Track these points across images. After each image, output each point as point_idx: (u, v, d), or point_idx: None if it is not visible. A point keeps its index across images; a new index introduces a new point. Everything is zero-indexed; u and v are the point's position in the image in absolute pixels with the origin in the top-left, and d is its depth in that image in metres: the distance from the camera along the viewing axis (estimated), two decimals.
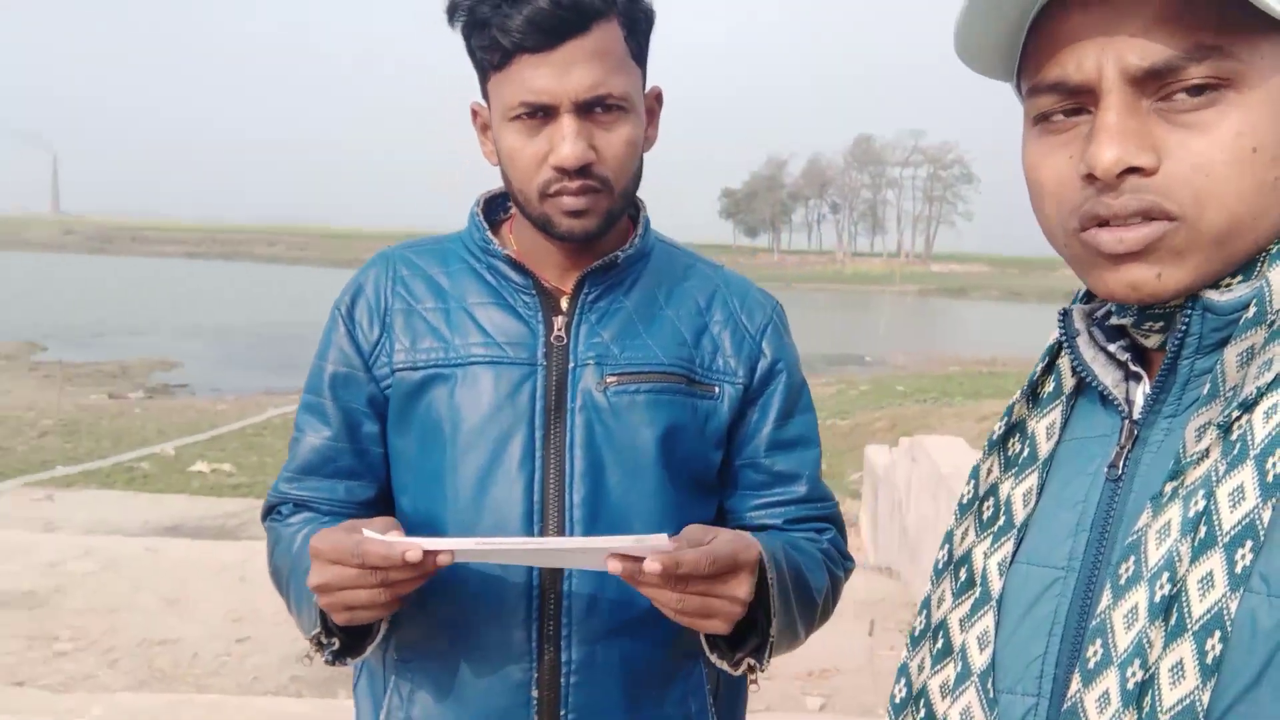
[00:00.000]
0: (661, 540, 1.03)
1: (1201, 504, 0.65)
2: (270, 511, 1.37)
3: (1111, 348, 0.78)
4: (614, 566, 1.04)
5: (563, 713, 1.22)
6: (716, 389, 1.30)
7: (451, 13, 1.21)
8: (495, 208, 1.38)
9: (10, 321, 28.56)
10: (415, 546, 1.04)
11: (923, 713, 0.83)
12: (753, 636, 1.18)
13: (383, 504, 1.33)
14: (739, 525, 1.32)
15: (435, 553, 1.05)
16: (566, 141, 1.16)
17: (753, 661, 1.18)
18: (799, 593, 1.22)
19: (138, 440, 12.46)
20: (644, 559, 1.02)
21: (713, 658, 1.20)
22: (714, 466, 1.31)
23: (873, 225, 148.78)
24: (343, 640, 1.17)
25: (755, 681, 1.31)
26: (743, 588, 1.09)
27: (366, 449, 1.32)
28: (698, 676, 1.30)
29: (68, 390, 17.56)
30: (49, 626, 5.10)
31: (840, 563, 1.35)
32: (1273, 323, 0.67)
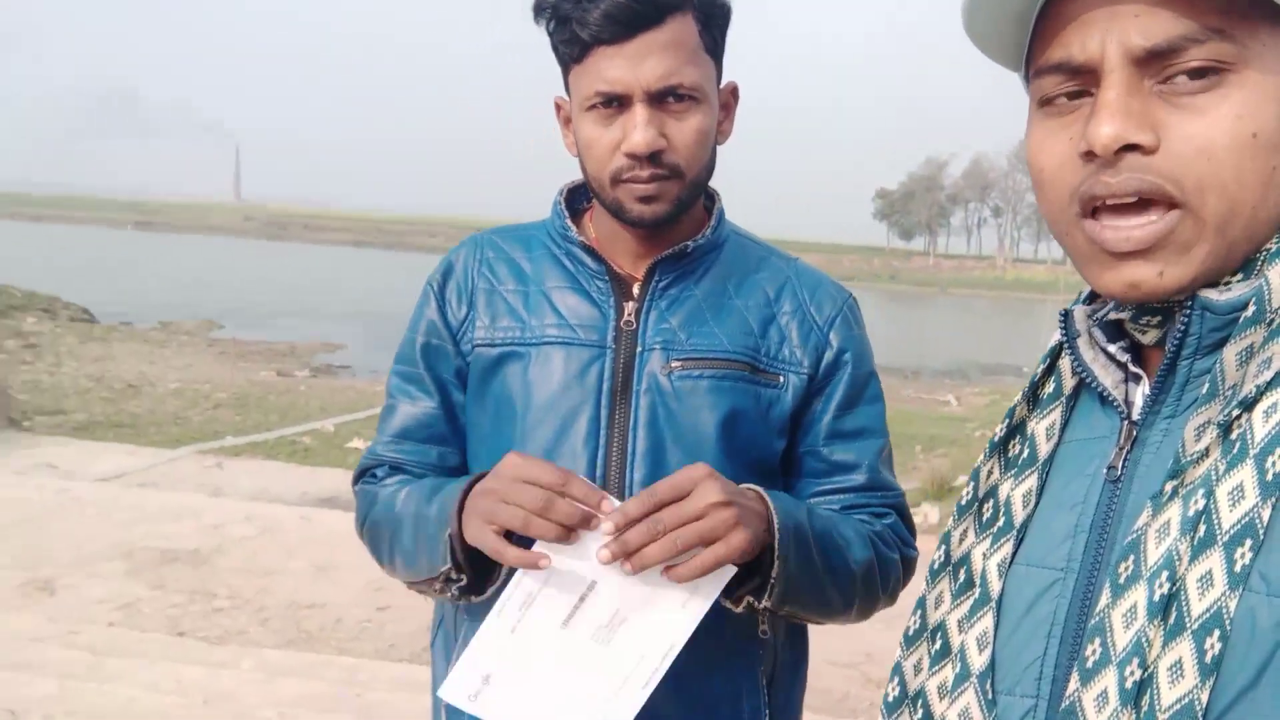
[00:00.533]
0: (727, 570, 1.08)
1: (1201, 503, 0.64)
2: (363, 475, 1.43)
3: (1111, 348, 0.77)
4: (603, 555, 1.07)
5: None
6: (781, 378, 1.33)
7: (537, 11, 1.26)
8: (578, 197, 1.43)
9: (192, 301, 30.57)
10: (609, 500, 1.09)
11: (920, 713, 0.83)
12: (755, 575, 1.18)
13: (464, 471, 1.38)
14: None
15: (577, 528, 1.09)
16: (638, 129, 1.21)
17: (751, 599, 1.18)
18: (826, 551, 1.22)
19: (301, 416, 13.14)
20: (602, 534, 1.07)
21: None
22: (776, 453, 1.34)
23: (1037, 231, 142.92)
24: (470, 577, 1.21)
25: (765, 629, 1.31)
26: (708, 491, 1.08)
27: (456, 417, 1.39)
28: (751, 655, 1.32)
29: (240, 366, 18.69)
30: (210, 584, 5.45)
31: (896, 546, 1.35)
32: (1271, 321, 0.67)
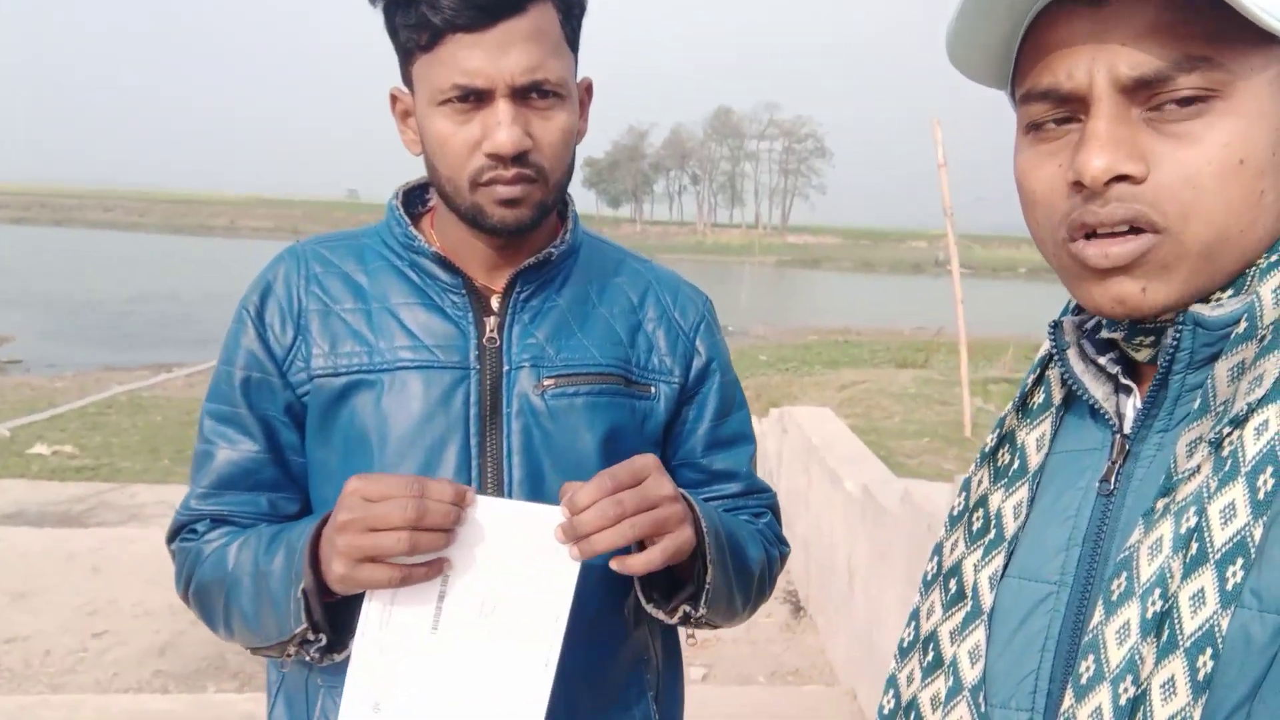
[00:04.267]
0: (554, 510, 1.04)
1: (1193, 520, 0.65)
2: (179, 532, 1.26)
3: (1102, 360, 0.78)
4: (560, 535, 1.03)
5: None
6: (653, 388, 1.28)
7: None
8: (412, 201, 1.30)
9: None
10: (471, 490, 1.04)
11: None
12: (689, 586, 1.18)
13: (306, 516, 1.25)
14: None
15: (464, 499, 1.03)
16: (502, 127, 1.10)
17: (688, 609, 1.17)
18: (734, 555, 1.22)
19: None
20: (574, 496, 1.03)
21: (648, 608, 1.18)
22: None
23: (732, 197, 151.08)
24: (329, 636, 1.10)
25: (693, 636, 1.31)
26: (663, 484, 1.08)
27: (288, 459, 1.24)
28: (640, 682, 1.29)
29: None
30: None
31: (775, 544, 1.36)
32: (1263, 338, 0.68)
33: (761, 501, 1.37)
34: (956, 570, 0.83)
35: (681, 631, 1.35)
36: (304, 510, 1.26)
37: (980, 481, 0.86)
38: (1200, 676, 0.62)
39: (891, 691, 0.88)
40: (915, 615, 0.88)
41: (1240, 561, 0.63)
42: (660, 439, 1.30)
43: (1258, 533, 0.63)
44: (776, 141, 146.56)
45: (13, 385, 14.77)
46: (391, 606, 1.05)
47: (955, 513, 0.87)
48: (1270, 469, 0.64)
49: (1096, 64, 0.69)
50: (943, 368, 15.60)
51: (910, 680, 0.85)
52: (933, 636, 0.83)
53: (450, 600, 1.04)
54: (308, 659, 1.13)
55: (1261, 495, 0.63)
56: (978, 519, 0.84)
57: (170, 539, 1.28)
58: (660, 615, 1.18)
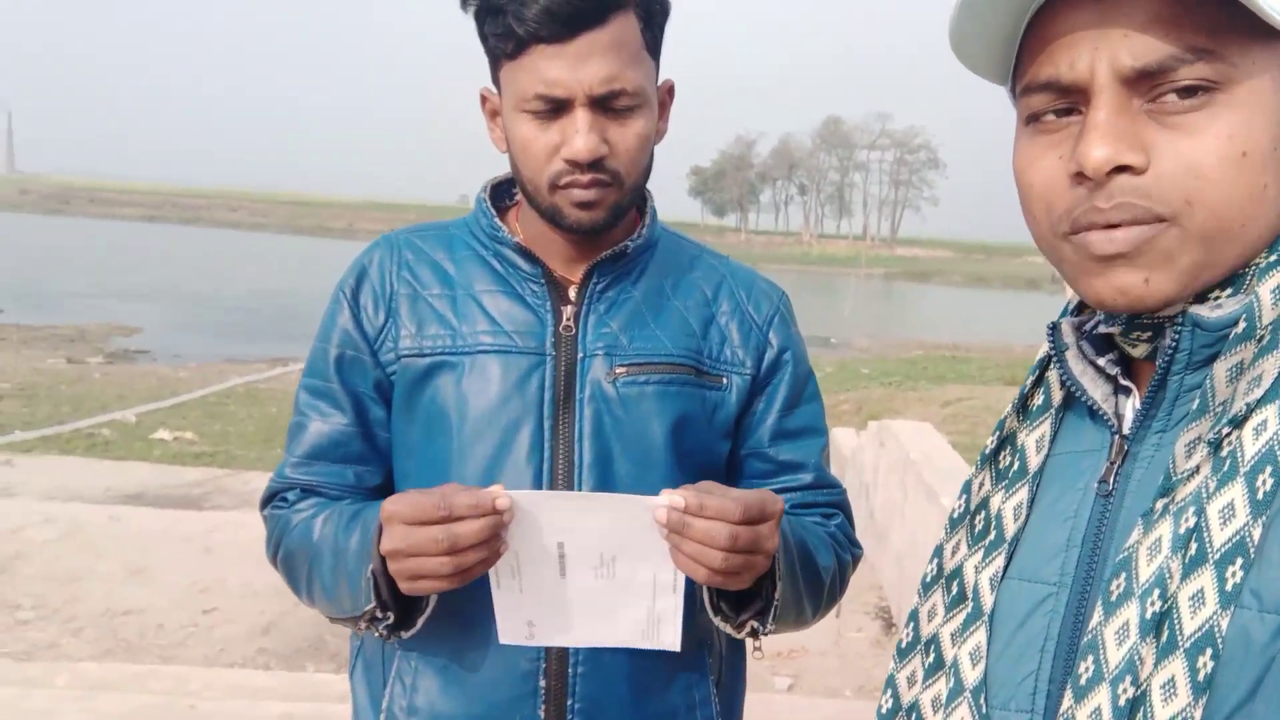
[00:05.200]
0: (660, 500, 1.05)
1: (1192, 521, 0.65)
2: (272, 499, 1.34)
3: (1101, 361, 0.78)
4: (660, 516, 1.04)
5: (570, 702, 1.22)
6: (724, 380, 1.30)
7: None
8: (500, 194, 1.36)
9: None
10: (504, 494, 1.05)
11: None
12: (757, 600, 1.19)
13: (389, 491, 1.31)
14: None
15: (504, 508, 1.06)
16: (580, 135, 1.15)
17: (755, 624, 1.19)
18: (805, 566, 1.23)
19: (97, 406, 12.23)
20: (669, 501, 1.04)
21: (716, 620, 1.20)
22: (722, 457, 1.32)
23: (839, 208, 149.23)
24: (397, 615, 1.16)
25: (759, 648, 1.32)
26: (774, 538, 1.09)
27: (375, 434, 1.30)
28: (702, 664, 1.31)
29: (25, 354, 17.21)
30: (10, 594, 5.03)
31: (848, 547, 1.36)
32: (1261, 338, 0.67)
33: (831, 498, 1.38)
34: (958, 572, 0.84)
35: (748, 643, 1.35)
36: (387, 483, 1.32)
37: (982, 484, 0.86)
38: (1200, 677, 0.62)
39: (890, 692, 0.88)
40: (914, 617, 0.88)
41: (1240, 561, 0.62)
42: (731, 430, 1.32)
43: (1257, 533, 0.63)
44: (888, 152, 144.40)
45: (140, 374, 15.54)
46: (517, 563, 1.10)
47: (956, 515, 0.87)
48: (1269, 469, 0.63)
49: (1098, 55, 0.68)
50: None
51: (911, 682, 0.86)
52: (934, 638, 0.84)
53: (571, 555, 1.10)
54: (377, 635, 1.18)
55: (1260, 495, 0.63)
56: (979, 521, 0.84)
57: (263, 505, 1.36)
58: (728, 629, 1.20)
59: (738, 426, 1.33)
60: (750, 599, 1.19)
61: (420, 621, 1.18)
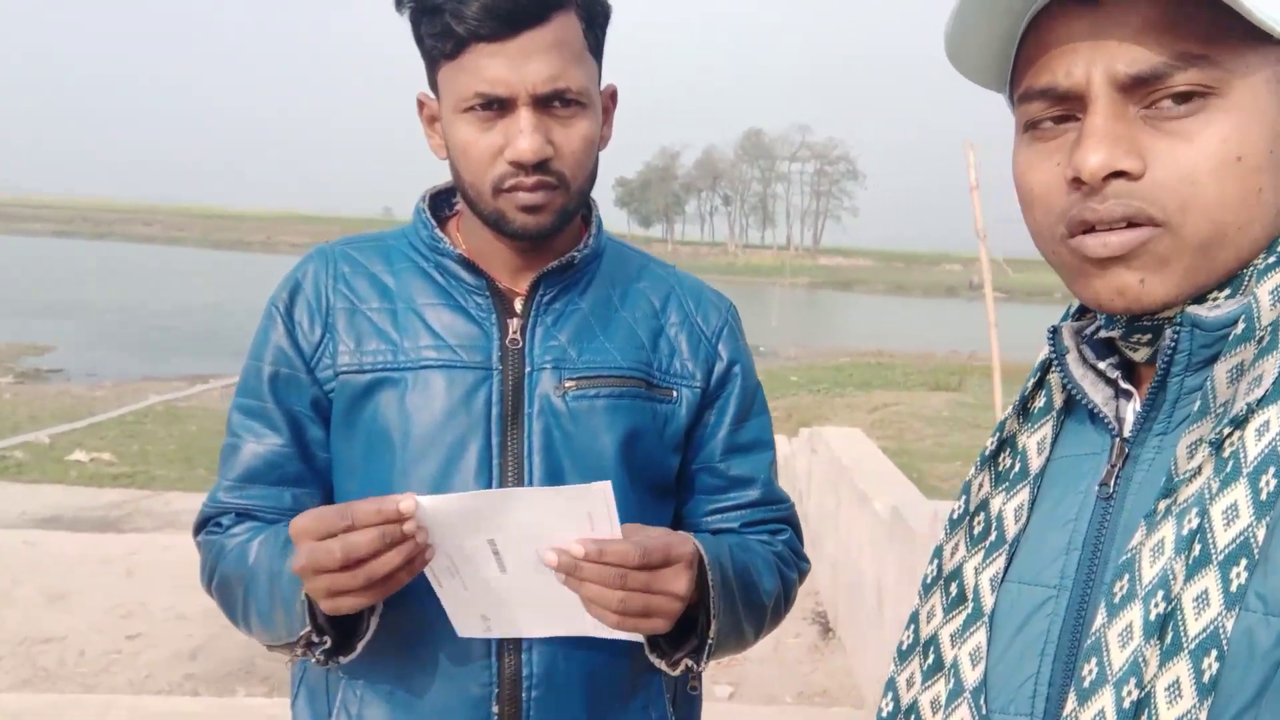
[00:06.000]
0: (606, 487, 1.02)
1: (1195, 522, 0.65)
2: (205, 524, 1.29)
3: (1101, 365, 0.78)
4: (549, 557, 1.03)
5: None
6: (674, 393, 1.28)
7: None
8: (439, 204, 1.32)
9: None
10: (408, 497, 1.01)
11: None
12: (694, 637, 1.17)
13: None
14: (694, 530, 1.30)
15: (419, 529, 1.03)
16: (524, 135, 1.12)
17: (690, 662, 1.18)
18: (745, 594, 1.21)
19: (9, 427, 11.78)
20: (569, 549, 1.03)
21: (651, 658, 1.18)
22: (672, 471, 1.30)
23: (763, 218, 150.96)
24: (334, 638, 1.12)
25: (695, 684, 1.31)
26: (680, 582, 1.08)
27: (313, 454, 1.26)
28: (658, 685, 1.29)
29: None
30: None
31: (794, 564, 1.35)
32: (1261, 339, 0.68)
33: (779, 513, 1.36)
34: (958, 573, 0.84)
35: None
36: (325, 504, 1.25)
37: (981, 485, 0.86)
38: (1205, 679, 0.62)
39: (890, 694, 0.87)
40: (915, 618, 0.87)
41: (1244, 563, 0.62)
42: (681, 443, 1.30)
43: (1261, 534, 0.63)
44: (808, 163, 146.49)
45: (53, 394, 15.02)
46: (452, 564, 1.07)
47: (955, 516, 0.87)
48: (1272, 469, 0.63)
49: (1094, 62, 0.69)
50: (976, 391, 15.49)
51: (910, 683, 0.85)
52: (933, 640, 0.83)
53: (505, 553, 1.07)
54: (314, 660, 1.14)
55: (1264, 496, 0.63)
56: (979, 523, 0.84)
57: (196, 531, 1.30)
58: (662, 666, 1.18)
59: (688, 440, 1.31)
60: (687, 636, 1.17)
61: (359, 646, 1.14)
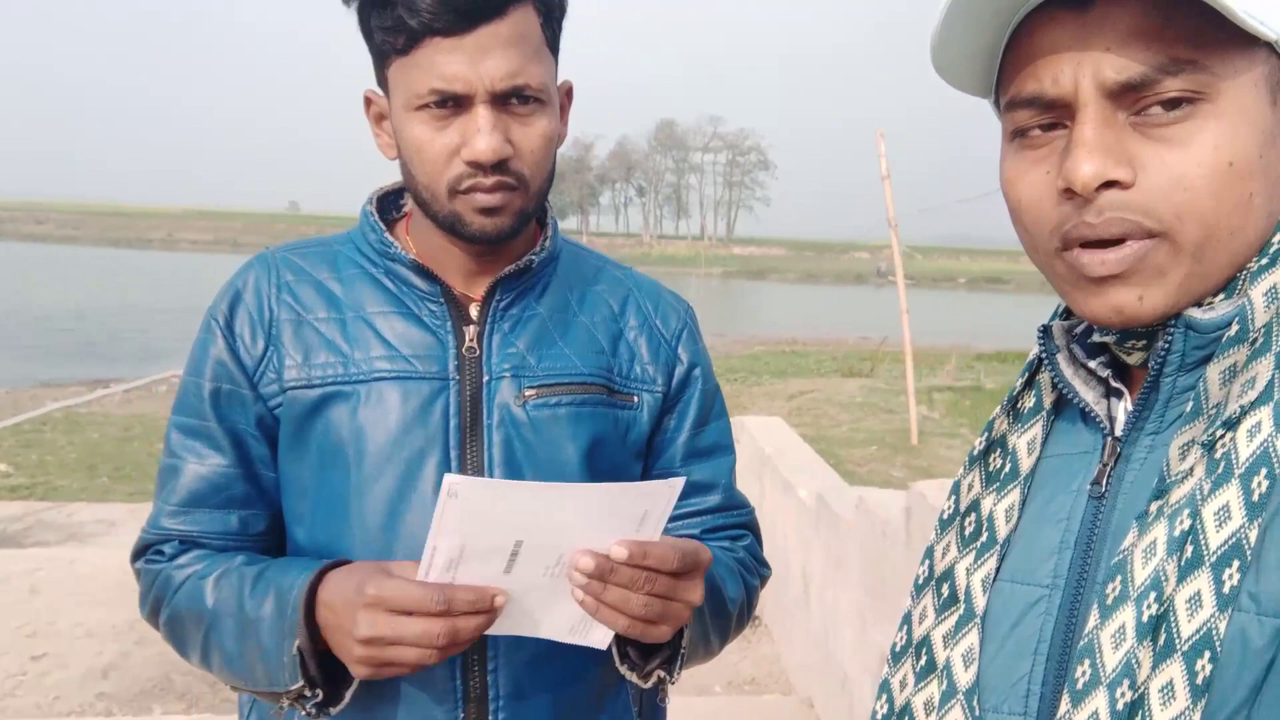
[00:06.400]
0: (678, 483, 0.98)
1: (1187, 523, 0.65)
2: (145, 551, 1.22)
3: (1092, 364, 0.78)
4: (584, 562, 0.97)
5: None
6: (636, 398, 1.26)
7: None
8: (386, 206, 1.27)
9: None
10: (502, 593, 0.98)
11: None
12: (665, 648, 1.15)
13: (277, 535, 1.22)
14: None
15: (496, 595, 0.99)
16: (482, 135, 1.08)
17: (662, 674, 1.15)
18: (712, 604, 1.20)
19: None
20: (609, 552, 0.97)
21: (622, 669, 1.16)
22: (635, 477, 1.27)
23: (677, 209, 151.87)
24: (325, 691, 1.07)
25: (664, 696, 1.29)
26: (697, 590, 1.06)
27: (259, 473, 1.20)
28: (624, 699, 1.27)
29: None
30: None
31: (756, 570, 1.34)
32: (1254, 341, 0.68)
33: (739, 519, 1.34)
34: (949, 574, 0.83)
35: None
36: (272, 526, 1.23)
37: (971, 485, 0.85)
38: (1199, 680, 0.62)
39: (885, 696, 0.87)
40: (907, 619, 0.87)
41: (1236, 564, 0.63)
42: (643, 449, 1.28)
43: (1253, 535, 0.63)
44: (720, 154, 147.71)
45: None
46: (459, 555, 0.99)
47: (945, 516, 0.87)
48: (1264, 471, 0.64)
49: (1082, 69, 0.69)
50: (888, 377, 15.80)
51: (903, 685, 0.85)
52: (925, 641, 0.83)
53: (524, 557, 1.00)
54: (303, 713, 1.10)
55: (1256, 497, 0.63)
56: (970, 523, 0.84)
57: (135, 557, 1.23)
58: (634, 679, 1.15)
59: (648, 445, 1.28)
60: (658, 647, 1.14)
61: (348, 695, 1.09)
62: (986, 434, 0.86)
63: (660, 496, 0.98)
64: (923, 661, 0.83)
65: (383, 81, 1.16)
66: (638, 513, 0.99)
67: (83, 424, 12.52)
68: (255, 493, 1.21)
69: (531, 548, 0.99)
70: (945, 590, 0.83)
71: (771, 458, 5.42)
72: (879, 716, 0.86)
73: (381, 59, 1.13)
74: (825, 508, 4.10)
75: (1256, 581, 0.62)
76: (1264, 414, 0.65)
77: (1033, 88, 0.71)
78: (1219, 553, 0.63)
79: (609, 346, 1.26)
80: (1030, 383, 0.84)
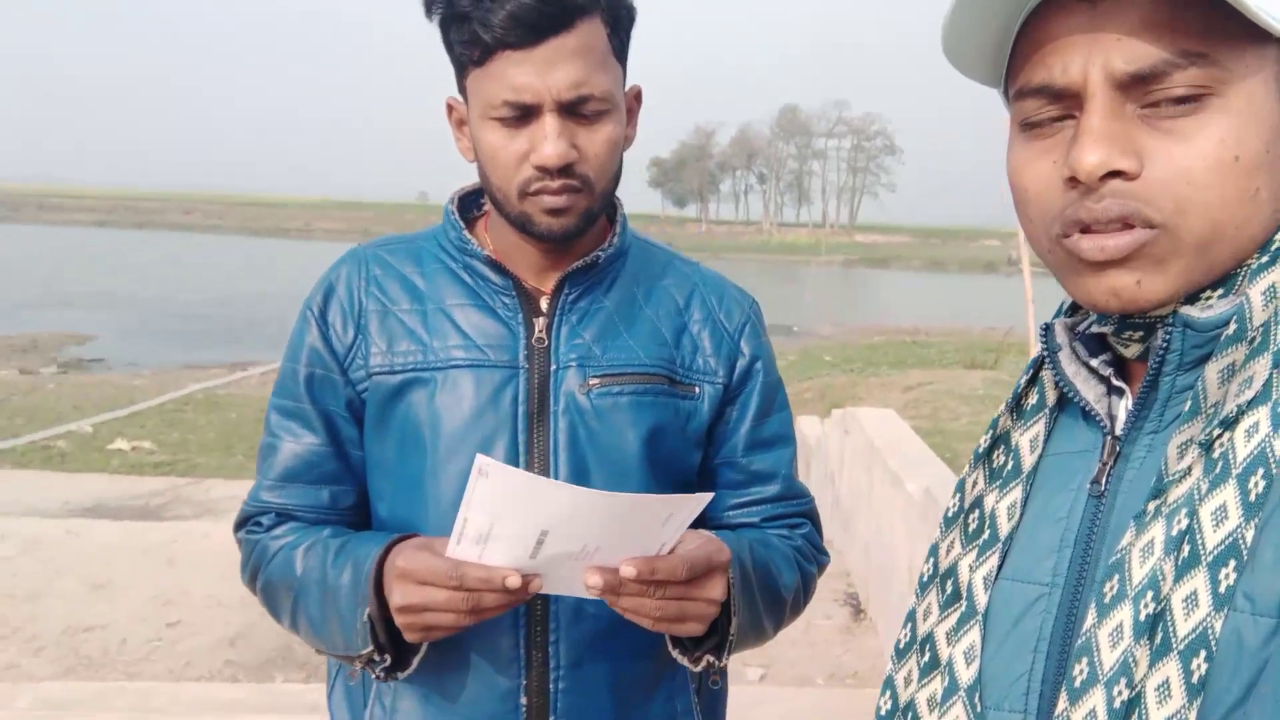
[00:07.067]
0: (705, 497, 1.02)
1: (1184, 523, 0.65)
2: (246, 522, 1.32)
3: (1094, 362, 0.78)
4: (593, 580, 1.04)
5: (552, 718, 1.22)
6: (697, 389, 1.30)
7: (429, 5, 1.18)
8: (468, 205, 1.35)
9: None
10: (514, 573, 1.04)
11: None
12: (714, 634, 1.19)
13: (363, 510, 1.31)
14: (716, 524, 1.32)
15: (530, 578, 1.05)
16: (549, 141, 1.15)
17: (712, 659, 1.20)
18: (765, 590, 1.24)
19: (52, 418, 12.02)
20: (619, 568, 1.03)
21: (674, 653, 1.21)
22: (694, 467, 1.32)
23: (799, 196, 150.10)
24: (393, 656, 1.16)
25: (716, 679, 1.34)
26: (717, 588, 1.11)
27: (348, 453, 1.29)
28: (682, 676, 1.31)
29: None
30: None
31: (814, 558, 1.37)
32: (1253, 340, 0.67)
33: (799, 508, 1.38)
34: (952, 571, 0.84)
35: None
36: (361, 502, 1.31)
37: (975, 483, 0.86)
38: (1195, 679, 0.62)
39: (889, 693, 0.88)
40: (912, 616, 0.88)
41: (1232, 564, 0.63)
42: (703, 439, 1.32)
43: (1249, 535, 0.63)
44: (845, 139, 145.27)
45: (95, 383, 15.29)
46: (487, 532, 1.05)
47: (950, 514, 0.87)
48: (1261, 471, 0.63)
49: (1091, 59, 0.68)
50: (1012, 369, 15.31)
51: (908, 681, 0.86)
52: (929, 637, 0.84)
53: (550, 544, 1.05)
54: (374, 676, 1.18)
55: (1253, 497, 0.63)
56: (973, 520, 0.84)
57: (237, 528, 1.34)
58: (685, 662, 1.21)
59: (710, 435, 1.33)
60: (708, 633, 1.19)
61: (415, 661, 1.17)
62: (991, 431, 0.86)
63: (685, 507, 1.03)
64: (926, 658, 0.83)
65: (462, 90, 1.23)
66: (661, 517, 1.03)
67: (222, 405, 13.20)
68: (344, 470, 1.29)
69: (557, 539, 1.03)
70: (949, 587, 0.83)
71: (881, 450, 5.33)
72: (883, 712, 0.87)
73: (460, 69, 1.21)
74: (933, 502, 4.01)
75: (1252, 580, 0.62)
76: (1262, 414, 0.65)
77: (1042, 77, 0.71)
78: (1216, 552, 0.63)
79: (672, 339, 1.31)
80: (1034, 380, 0.84)
